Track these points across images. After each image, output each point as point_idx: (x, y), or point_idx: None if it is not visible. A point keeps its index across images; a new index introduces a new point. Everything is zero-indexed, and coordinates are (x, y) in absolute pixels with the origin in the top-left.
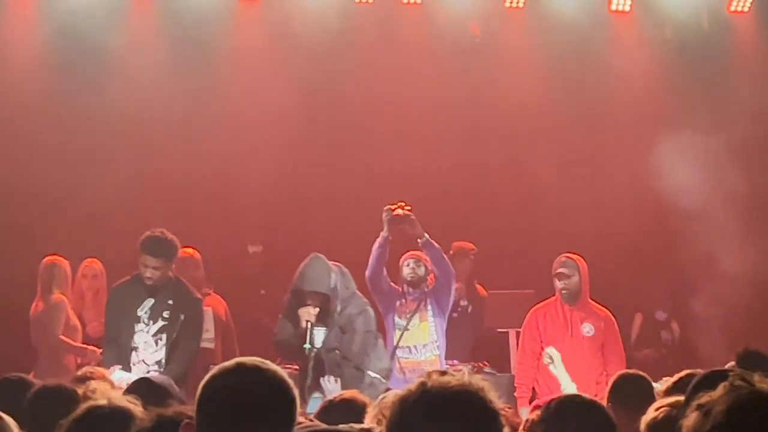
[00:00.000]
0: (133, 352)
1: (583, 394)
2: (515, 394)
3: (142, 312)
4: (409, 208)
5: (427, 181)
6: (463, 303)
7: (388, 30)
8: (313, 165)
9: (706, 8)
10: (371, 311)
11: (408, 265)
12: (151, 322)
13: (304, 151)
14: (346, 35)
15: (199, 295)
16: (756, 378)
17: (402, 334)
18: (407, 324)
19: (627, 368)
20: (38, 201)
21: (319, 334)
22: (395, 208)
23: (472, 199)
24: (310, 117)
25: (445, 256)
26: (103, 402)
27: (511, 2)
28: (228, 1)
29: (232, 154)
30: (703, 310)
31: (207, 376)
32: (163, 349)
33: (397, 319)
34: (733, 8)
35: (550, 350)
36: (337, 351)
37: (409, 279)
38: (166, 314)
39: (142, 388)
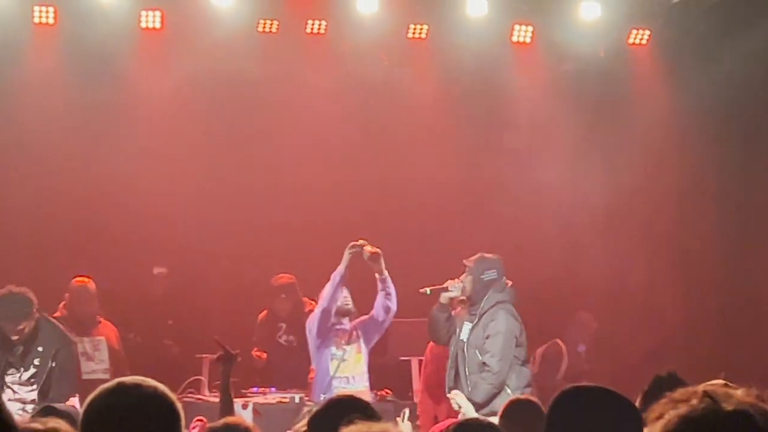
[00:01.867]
0: (9, 391)
1: (482, 418)
2: (418, 422)
3: (13, 359)
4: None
5: (331, 207)
6: (286, 338)
7: (293, 59)
8: (219, 190)
9: (604, 40)
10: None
11: (342, 293)
12: (23, 369)
13: (209, 175)
14: (251, 64)
15: (69, 338)
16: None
17: (339, 365)
18: (344, 354)
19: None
20: None
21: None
22: (365, 246)
23: (379, 226)
24: (215, 142)
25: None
26: None
27: (413, 33)
28: (132, 30)
29: (138, 177)
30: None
31: (90, 397)
32: (36, 393)
33: (334, 349)
34: (631, 41)
35: (458, 397)
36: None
37: (345, 308)
38: (36, 362)
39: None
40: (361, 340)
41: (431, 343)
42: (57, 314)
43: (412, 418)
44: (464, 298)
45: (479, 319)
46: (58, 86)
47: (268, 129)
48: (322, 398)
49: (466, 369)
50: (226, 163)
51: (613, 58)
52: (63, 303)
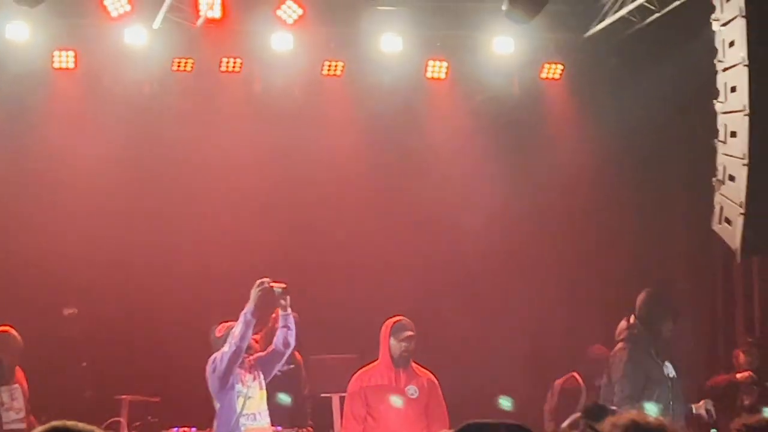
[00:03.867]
0: None
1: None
2: None
3: None
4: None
5: (244, 245)
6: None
7: (207, 98)
8: (130, 229)
9: (518, 75)
10: None
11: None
12: None
13: (121, 214)
14: (165, 103)
15: None
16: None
17: (244, 402)
18: (248, 391)
19: (451, 427)
20: None
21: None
22: (271, 283)
23: (292, 265)
24: (127, 180)
25: None
26: None
27: (329, 70)
28: (44, 68)
29: (47, 219)
30: None
31: None
32: None
33: (239, 386)
34: (544, 75)
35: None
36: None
37: (250, 344)
38: None
39: None
40: (262, 377)
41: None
42: None
43: None
44: None
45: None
46: None
47: (183, 167)
48: None
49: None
50: (140, 203)
51: (527, 92)
52: None
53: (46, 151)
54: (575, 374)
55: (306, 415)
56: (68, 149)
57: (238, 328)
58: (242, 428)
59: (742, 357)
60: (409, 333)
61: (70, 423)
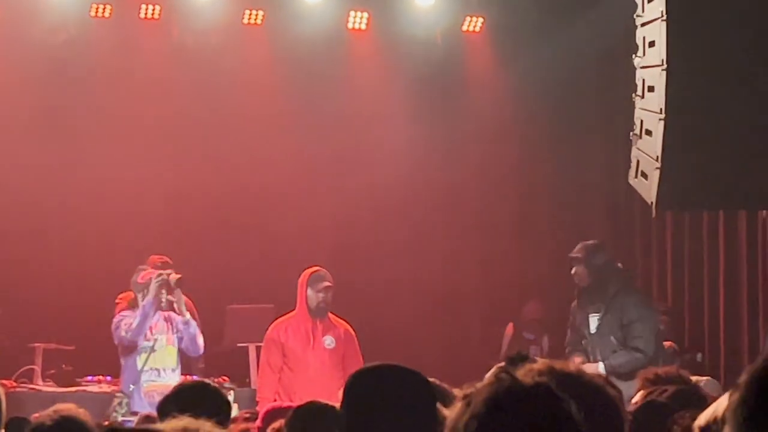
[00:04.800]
0: None
1: (319, 400)
2: (257, 408)
3: None
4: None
5: (165, 197)
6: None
7: (126, 44)
8: (47, 176)
9: (439, 27)
10: None
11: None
12: None
13: (36, 160)
14: (82, 48)
15: None
16: (520, 371)
17: (148, 357)
18: (153, 345)
19: None
20: None
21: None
22: (171, 274)
23: (213, 213)
24: (44, 126)
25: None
26: None
27: (249, 19)
28: None
29: None
30: None
31: None
32: None
33: (142, 341)
34: (465, 27)
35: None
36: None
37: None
38: None
39: None
40: (174, 333)
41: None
42: None
43: (251, 403)
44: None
45: (608, 309)
46: None
47: (100, 115)
48: (131, 389)
49: (598, 356)
50: (56, 149)
51: (449, 45)
52: None
53: None
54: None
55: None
56: None
57: (136, 320)
58: (144, 385)
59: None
60: (327, 284)
61: None
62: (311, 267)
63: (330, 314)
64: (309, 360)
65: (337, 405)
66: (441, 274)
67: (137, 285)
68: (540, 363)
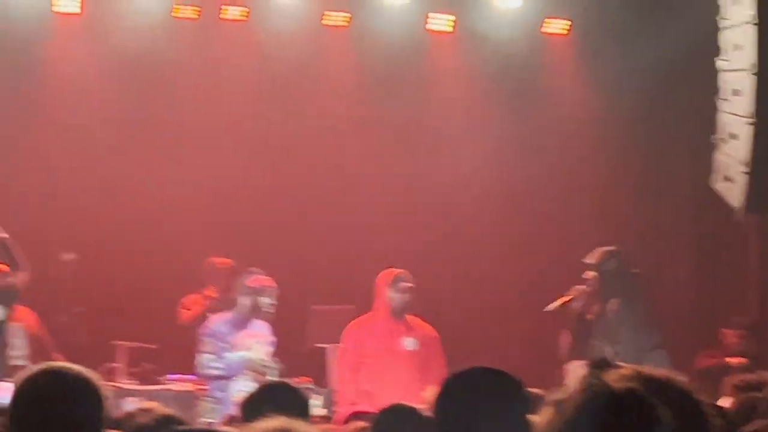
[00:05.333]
0: None
1: (405, 403)
2: (336, 409)
3: None
4: None
5: (246, 197)
6: None
7: (209, 45)
8: (132, 176)
9: (524, 30)
10: None
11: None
12: None
13: (123, 162)
14: (166, 49)
15: None
16: (611, 377)
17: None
18: (249, 354)
19: None
20: None
21: None
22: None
23: (291, 215)
24: (128, 128)
25: None
26: None
27: (332, 21)
28: (45, 13)
29: (50, 164)
30: None
31: (18, 381)
32: None
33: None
34: (550, 30)
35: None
36: None
37: None
38: None
39: None
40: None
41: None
42: None
43: (330, 404)
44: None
45: (607, 311)
46: None
47: (183, 116)
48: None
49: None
50: (139, 149)
51: (533, 47)
52: None
53: (48, 95)
54: None
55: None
56: (69, 94)
57: (215, 368)
58: (236, 393)
59: (732, 338)
60: (408, 284)
61: (63, 365)
62: (391, 268)
63: (410, 316)
64: (388, 362)
65: (418, 407)
66: (519, 272)
67: (245, 287)
68: (628, 368)
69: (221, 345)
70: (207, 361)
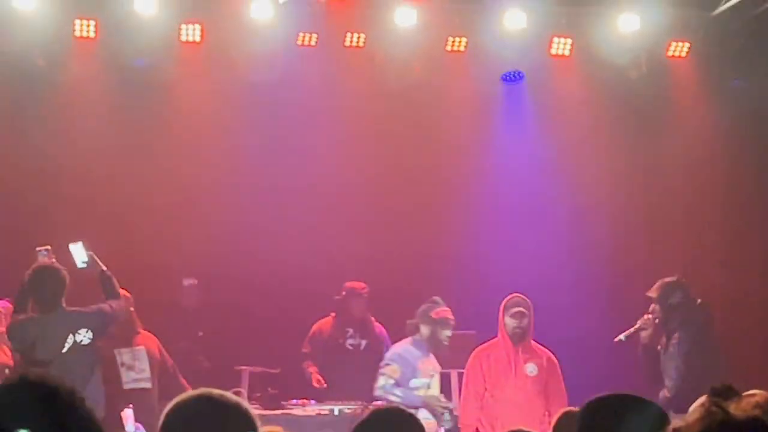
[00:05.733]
0: None
1: (523, 428)
2: None
3: None
4: None
5: (373, 223)
6: (353, 341)
7: (331, 72)
8: (257, 202)
9: (643, 53)
10: None
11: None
12: None
13: (247, 188)
14: (289, 77)
15: None
16: (731, 405)
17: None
18: (430, 382)
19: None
20: None
21: None
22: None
23: (417, 242)
24: (251, 156)
25: None
26: None
27: (452, 46)
28: (171, 43)
29: (172, 188)
30: None
31: (170, 405)
32: None
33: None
34: (670, 53)
35: None
36: None
37: None
38: None
39: None
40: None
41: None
42: None
43: (453, 430)
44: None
45: (667, 344)
46: (97, 98)
47: (307, 141)
48: None
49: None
50: (262, 176)
51: (653, 70)
52: None
53: (173, 127)
54: None
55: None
56: (194, 124)
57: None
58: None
59: None
60: (520, 309)
61: (218, 392)
62: (512, 293)
63: (533, 342)
64: (511, 387)
65: None
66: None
67: (429, 317)
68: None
69: (406, 370)
70: (389, 387)
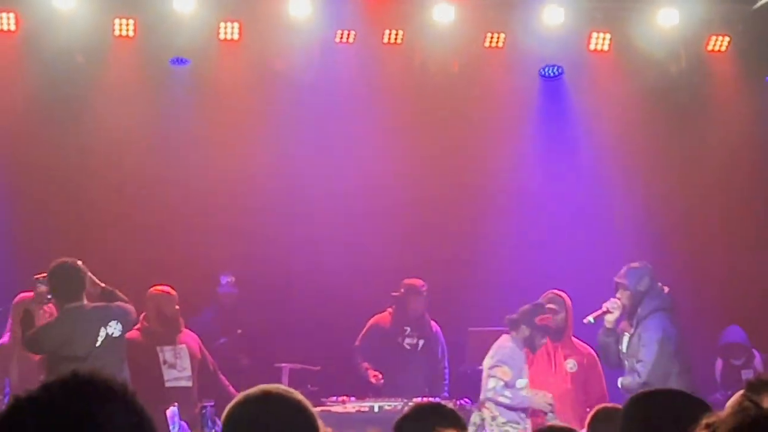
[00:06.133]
0: None
1: (560, 423)
2: None
3: None
4: None
5: (410, 219)
6: (411, 341)
7: (369, 69)
8: (294, 199)
9: (682, 47)
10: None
11: None
12: None
13: (285, 184)
14: (327, 75)
15: None
16: (765, 400)
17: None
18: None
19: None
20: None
21: None
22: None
23: (454, 237)
24: (289, 153)
25: None
26: None
27: (490, 42)
28: (210, 41)
29: (211, 184)
30: None
31: (232, 404)
32: None
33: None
34: (710, 47)
35: None
36: None
37: None
38: None
39: None
40: None
41: None
42: (137, 326)
43: None
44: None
45: (636, 329)
46: (136, 95)
47: (345, 137)
48: None
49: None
50: (302, 172)
51: (692, 65)
52: (143, 314)
53: (212, 123)
54: None
55: (463, 386)
56: (233, 120)
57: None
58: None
59: None
60: (550, 306)
61: (280, 388)
62: (554, 290)
63: (573, 338)
64: (550, 383)
65: (578, 429)
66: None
67: (531, 321)
68: None
69: (514, 371)
70: (499, 389)
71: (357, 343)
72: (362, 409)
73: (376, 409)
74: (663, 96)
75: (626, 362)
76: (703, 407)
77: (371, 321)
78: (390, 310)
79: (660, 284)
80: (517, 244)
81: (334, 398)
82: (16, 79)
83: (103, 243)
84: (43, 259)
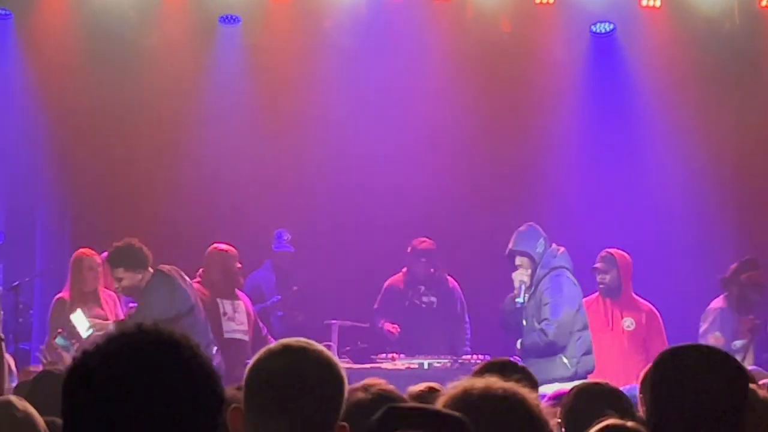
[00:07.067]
0: None
1: (602, 381)
2: None
3: None
4: None
5: (463, 178)
6: (427, 299)
7: (419, 26)
8: (347, 157)
9: (737, 3)
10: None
11: None
12: None
13: (334, 139)
14: (377, 32)
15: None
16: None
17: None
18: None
19: None
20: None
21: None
22: None
23: (504, 199)
24: (338, 110)
25: None
26: None
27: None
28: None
29: (265, 144)
30: None
31: (253, 359)
32: None
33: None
34: (764, 3)
35: None
36: None
37: None
38: None
39: None
40: None
41: None
42: (197, 279)
43: None
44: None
45: (535, 288)
46: (186, 53)
47: (395, 95)
48: None
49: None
50: (352, 132)
51: (745, 22)
52: (201, 269)
53: (260, 83)
54: None
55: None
56: (282, 79)
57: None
58: None
59: None
60: (596, 265)
61: (303, 341)
62: (608, 249)
63: (634, 296)
64: (607, 342)
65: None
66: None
67: (738, 279)
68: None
69: (727, 334)
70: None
71: (375, 306)
72: (412, 366)
73: (425, 366)
74: (715, 53)
75: (524, 321)
76: (736, 364)
77: (386, 283)
78: (404, 270)
79: (555, 245)
80: (571, 197)
81: (384, 355)
82: (69, 35)
83: (156, 200)
84: (94, 215)
